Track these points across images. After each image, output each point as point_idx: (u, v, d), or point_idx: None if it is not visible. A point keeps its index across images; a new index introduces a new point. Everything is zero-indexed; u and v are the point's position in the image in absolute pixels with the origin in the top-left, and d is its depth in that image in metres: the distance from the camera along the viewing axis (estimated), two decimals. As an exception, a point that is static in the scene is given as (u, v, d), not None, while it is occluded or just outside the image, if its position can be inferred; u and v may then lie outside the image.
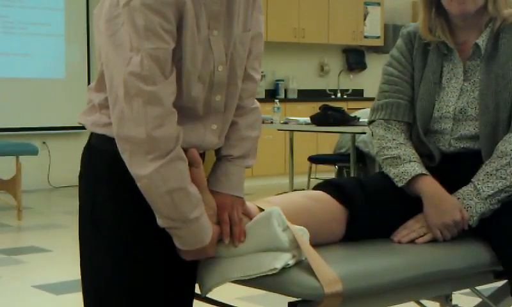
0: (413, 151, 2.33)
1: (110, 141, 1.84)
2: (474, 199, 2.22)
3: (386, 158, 2.34)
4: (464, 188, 2.25)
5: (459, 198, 2.23)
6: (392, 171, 2.31)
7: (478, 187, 2.23)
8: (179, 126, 1.82)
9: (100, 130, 1.90)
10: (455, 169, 2.31)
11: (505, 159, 2.24)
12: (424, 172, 2.27)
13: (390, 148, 2.34)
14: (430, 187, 2.25)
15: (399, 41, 2.48)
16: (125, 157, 1.80)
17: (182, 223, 1.83)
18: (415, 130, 2.39)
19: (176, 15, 1.79)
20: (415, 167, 2.28)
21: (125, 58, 1.77)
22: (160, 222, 1.84)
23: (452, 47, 2.37)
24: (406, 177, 2.27)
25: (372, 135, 2.45)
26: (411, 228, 2.23)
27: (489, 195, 2.21)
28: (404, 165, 2.29)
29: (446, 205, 2.21)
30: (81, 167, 1.99)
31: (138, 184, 1.80)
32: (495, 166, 2.24)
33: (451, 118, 2.34)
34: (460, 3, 2.30)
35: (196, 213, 1.84)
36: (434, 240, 2.21)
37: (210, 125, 1.94)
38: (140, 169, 1.78)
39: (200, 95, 1.89)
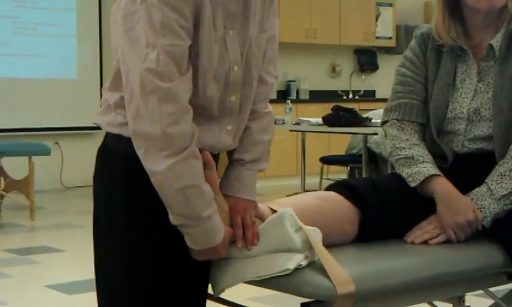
0: (427, 151, 2.33)
1: (125, 141, 1.84)
2: (488, 199, 2.21)
3: (400, 158, 2.34)
4: (477, 189, 2.24)
5: (472, 199, 2.23)
6: (405, 171, 2.31)
7: (491, 187, 2.22)
8: (194, 124, 1.82)
9: (115, 130, 1.90)
10: (468, 170, 2.31)
11: None
12: (437, 173, 2.27)
13: (404, 148, 2.34)
14: (443, 188, 2.24)
15: (413, 42, 2.47)
16: (140, 152, 1.80)
17: (194, 221, 1.83)
18: (428, 130, 2.38)
19: (193, 12, 1.80)
20: (428, 167, 2.27)
21: (141, 54, 1.78)
22: (172, 219, 1.84)
23: (467, 48, 2.36)
24: (419, 177, 2.26)
25: (386, 135, 2.44)
26: (425, 229, 2.22)
27: (502, 195, 2.21)
28: (418, 165, 2.29)
29: (459, 205, 2.21)
30: (96, 167, 1.99)
31: (152, 180, 1.80)
32: (509, 167, 2.23)
33: (465, 119, 2.33)
34: None
35: (209, 212, 1.84)
36: (447, 241, 2.21)
37: (225, 126, 1.94)
38: (154, 165, 1.78)
39: (215, 94, 1.89)
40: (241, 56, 1.93)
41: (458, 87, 2.37)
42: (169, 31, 1.77)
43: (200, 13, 1.81)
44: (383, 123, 2.46)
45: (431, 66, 2.41)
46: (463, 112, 2.33)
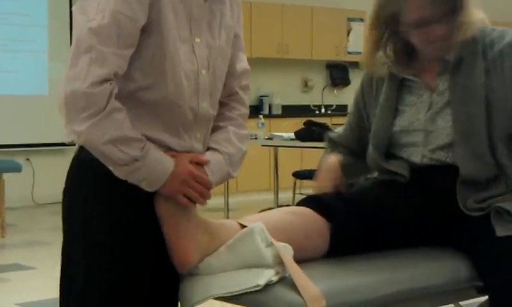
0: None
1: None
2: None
3: None
4: None
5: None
6: None
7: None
8: (115, 84, 1.82)
9: None
10: (427, 182, 2.31)
11: None
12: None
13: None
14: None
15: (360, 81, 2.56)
16: (62, 113, 1.83)
17: (136, 162, 1.83)
18: (373, 156, 2.41)
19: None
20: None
21: (87, 20, 1.82)
22: (117, 173, 1.84)
23: (415, 79, 2.38)
24: None
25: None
26: None
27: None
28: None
29: None
30: (70, 179, 1.98)
31: (79, 141, 1.83)
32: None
33: (422, 130, 2.34)
34: (436, 49, 2.31)
35: (144, 150, 1.84)
36: (416, 255, 2.21)
37: (195, 134, 1.97)
38: (77, 125, 1.80)
39: (186, 92, 1.91)
40: (208, 64, 1.96)
41: (415, 102, 2.37)
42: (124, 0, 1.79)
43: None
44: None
45: (376, 96, 2.44)
46: (420, 123, 2.34)
